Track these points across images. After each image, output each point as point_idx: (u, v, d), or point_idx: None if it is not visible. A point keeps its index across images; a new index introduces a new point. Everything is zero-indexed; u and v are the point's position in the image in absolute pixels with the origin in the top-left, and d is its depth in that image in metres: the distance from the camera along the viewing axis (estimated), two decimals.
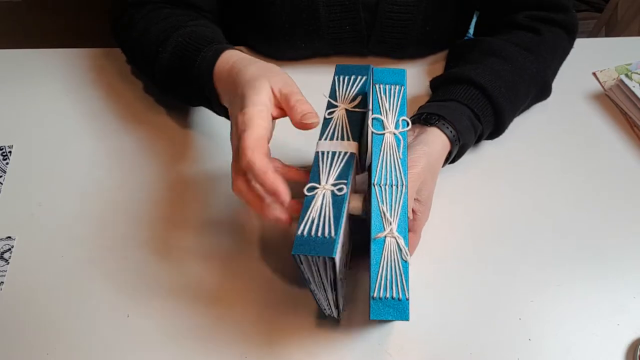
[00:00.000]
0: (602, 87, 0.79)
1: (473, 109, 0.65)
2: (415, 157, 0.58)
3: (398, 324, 0.59)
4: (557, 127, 0.75)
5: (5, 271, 0.62)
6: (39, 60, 0.80)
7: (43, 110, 0.75)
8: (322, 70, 0.79)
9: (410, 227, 0.58)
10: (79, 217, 0.66)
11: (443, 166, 0.67)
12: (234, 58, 0.59)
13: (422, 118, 0.64)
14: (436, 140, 0.62)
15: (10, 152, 0.71)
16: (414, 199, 0.58)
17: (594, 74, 0.80)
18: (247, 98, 0.51)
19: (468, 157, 0.69)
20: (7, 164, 0.70)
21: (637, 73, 0.76)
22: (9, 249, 0.63)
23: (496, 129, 0.68)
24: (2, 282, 0.61)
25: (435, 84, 0.73)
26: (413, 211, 0.58)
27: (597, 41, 0.88)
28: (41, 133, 0.73)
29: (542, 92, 0.73)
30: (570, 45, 0.75)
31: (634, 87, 0.74)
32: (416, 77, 0.78)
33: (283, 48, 0.78)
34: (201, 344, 0.58)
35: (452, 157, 0.65)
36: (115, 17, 0.73)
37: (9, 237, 0.64)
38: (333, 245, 0.43)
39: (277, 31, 0.74)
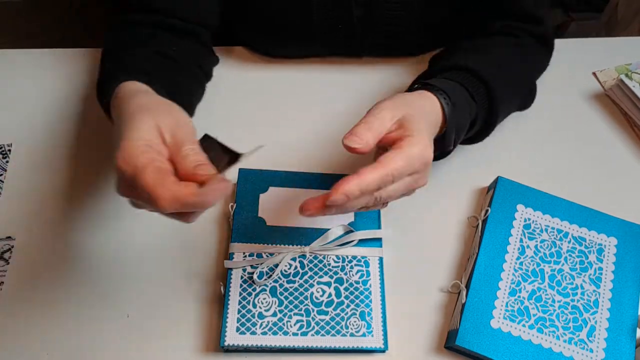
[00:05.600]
0: (602, 87, 0.79)
1: (468, 89, 0.60)
2: (385, 99, 0.53)
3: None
4: (557, 127, 0.75)
5: (5, 271, 0.62)
6: (39, 60, 0.80)
7: (42, 110, 0.75)
8: (316, 70, 0.78)
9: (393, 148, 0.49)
10: (79, 217, 0.66)
11: (444, 150, 0.60)
12: (123, 91, 0.52)
13: (415, 87, 0.59)
14: (426, 98, 0.55)
15: (9, 150, 0.71)
16: (391, 132, 0.50)
17: (594, 74, 0.80)
18: (123, 133, 0.44)
19: (467, 156, 0.69)
20: (7, 162, 0.70)
21: (637, 73, 0.76)
22: (9, 249, 0.63)
23: (487, 123, 0.64)
24: (2, 282, 0.61)
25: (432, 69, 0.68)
26: (399, 138, 0.49)
27: (597, 41, 0.88)
28: (41, 133, 0.73)
29: (528, 97, 0.71)
30: (547, 59, 0.73)
31: (634, 87, 0.74)
32: (412, 75, 0.78)
33: (274, 44, 0.77)
34: (202, 343, 0.58)
35: (446, 138, 0.58)
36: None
37: (9, 237, 0.64)
38: None
39: (267, 24, 0.74)
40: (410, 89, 0.61)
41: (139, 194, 0.43)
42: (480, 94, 0.62)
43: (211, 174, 0.43)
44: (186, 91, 0.65)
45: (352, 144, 0.48)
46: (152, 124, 0.45)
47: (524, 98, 0.71)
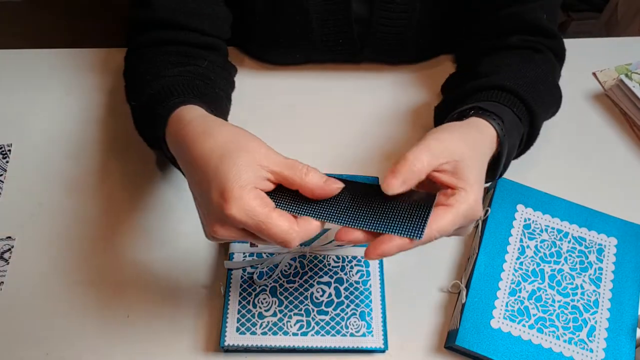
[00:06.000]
0: (602, 87, 0.79)
1: (514, 110, 0.60)
2: (440, 128, 0.52)
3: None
4: (557, 127, 0.75)
5: (5, 271, 0.62)
6: (39, 60, 0.80)
7: (42, 110, 0.75)
8: (316, 76, 0.78)
9: (442, 202, 0.47)
10: (79, 217, 0.66)
11: (496, 176, 0.60)
12: (186, 119, 0.51)
13: (460, 112, 0.58)
14: (482, 128, 0.54)
15: (9, 150, 0.71)
16: (443, 170, 0.48)
17: (594, 74, 0.80)
18: (225, 178, 0.43)
19: None
20: (7, 162, 0.70)
21: (637, 73, 0.76)
22: (9, 249, 0.63)
23: (527, 144, 0.64)
24: (2, 282, 0.61)
25: (454, 97, 0.67)
26: (449, 186, 0.48)
27: (597, 41, 0.88)
28: (41, 133, 0.73)
29: (557, 109, 0.70)
30: (560, 71, 0.72)
31: (634, 87, 0.74)
32: (414, 81, 0.78)
33: (273, 55, 0.78)
34: (202, 343, 0.58)
35: (502, 163, 0.57)
36: (133, 27, 0.67)
37: (9, 237, 0.64)
38: None
39: (270, 42, 0.75)
40: (448, 106, 0.64)
41: (253, 236, 0.45)
42: (524, 116, 0.61)
43: (341, 185, 0.46)
44: (224, 108, 0.66)
45: (388, 189, 0.45)
46: (252, 163, 0.44)
47: (554, 112, 0.70)
